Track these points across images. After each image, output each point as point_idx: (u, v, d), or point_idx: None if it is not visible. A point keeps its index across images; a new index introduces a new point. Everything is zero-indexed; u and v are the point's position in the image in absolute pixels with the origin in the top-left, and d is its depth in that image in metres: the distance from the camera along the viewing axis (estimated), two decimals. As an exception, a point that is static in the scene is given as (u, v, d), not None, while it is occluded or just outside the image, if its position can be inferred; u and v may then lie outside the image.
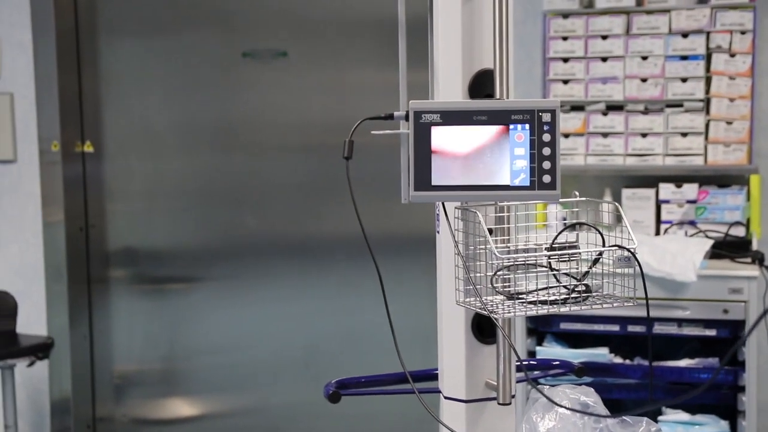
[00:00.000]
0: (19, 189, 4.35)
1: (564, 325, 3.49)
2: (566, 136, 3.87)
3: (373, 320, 4.17)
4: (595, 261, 1.56)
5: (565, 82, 3.87)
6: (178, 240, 4.40)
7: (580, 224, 1.60)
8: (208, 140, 4.35)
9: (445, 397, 1.77)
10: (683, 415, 3.41)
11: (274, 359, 4.34)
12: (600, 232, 1.58)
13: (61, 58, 4.28)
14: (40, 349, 3.96)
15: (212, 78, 4.31)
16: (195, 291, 4.40)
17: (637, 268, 1.54)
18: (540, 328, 3.58)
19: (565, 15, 3.85)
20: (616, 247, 1.54)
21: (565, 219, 3.08)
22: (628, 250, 1.53)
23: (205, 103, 4.32)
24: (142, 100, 4.36)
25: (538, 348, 3.53)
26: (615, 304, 1.54)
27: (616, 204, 1.60)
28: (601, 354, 3.49)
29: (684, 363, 3.46)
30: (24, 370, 4.16)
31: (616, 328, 3.46)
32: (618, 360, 3.53)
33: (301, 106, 4.25)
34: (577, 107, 3.88)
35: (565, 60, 3.87)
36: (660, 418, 3.46)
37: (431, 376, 1.88)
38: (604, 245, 1.57)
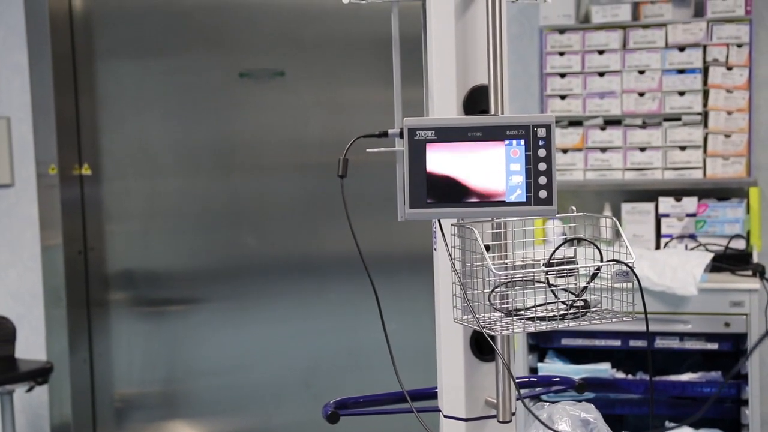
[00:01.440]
0: (17, 213, 4.34)
1: (565, 341, 3.48)
2: (565, 151, 3.86)
3: (374, 338, 4.12)
4: (593, 276, 1.55)
5: (563, 97, 3.87)
6: (178, 261, 4.39)
7: (578, 239, 1.59)
8: (206, 161, 4.34)
9: (445, 416, 1.75)
10: (687, 430, 3.39)
11: (275, 379, 4.32)
12: (597, 247, 1.57)
13: (57, 80, 4.28)
14: (39, 374, 3.93)
15: (209, 98, 4.31)
16: (195, 312, 4.38)
17: (636, 282, 1.52)
18: (541, 345, 3.56)
19: (562, 30, 3.85)
20: (614, 262, 1.53)
21: (564, 234, 3.07)
22: (626, 264, 1.52)
23: (202, 124, 4.32)
24: (139, 122, 4.35)
25: (539, 364, 3.51)
26: (614, 320, 1.53)
27: (614, 219, 1.59)
28: (603, 369, 3.47)
29: (686, 377, 3.45)
30: (23, 395, 4.14)
31: (617, 343, 3.44)
32: (620, 375, 3.51)
33: (298, 125, 4.25)
34: (575, 122, 3.87)
35: (562, 75, 3.86)
36: (661, 433, 3.43)
37: (431, 394, 1.86)
38: (602, 260, 1.56)
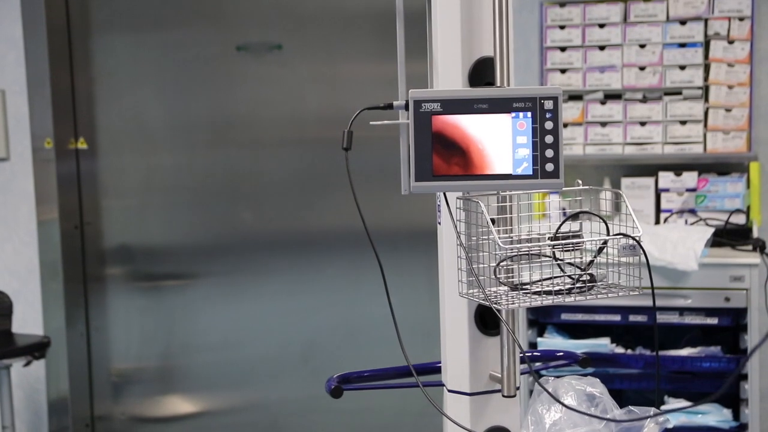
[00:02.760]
0: (13, 187, 4.31)
1: (565, 316, 3.47)
2: (565, 125, 3.84)
3: (371, 314, 4.15)
4: (600, 250, 1.53)
5: (563, 71, 3.84)
6: (175, 236, 4.37)
7: (584, 213, 1.57)
8: (203, 135, 4.31)
9: (449, 390, 1.74)
10: (686, 404, 3.39)
11: (273, 355, 4.31)
12: (605, 221, 1.55)
13: (53, 53, 4.24)
14: (36, 349, 3.92)
15: (206, 72, 4.28)
16: (192, 287, 4.37)
17: (643, 256, 1.51)
18: (541, 320, 3.55)
19: (562, 4, 3.82)
20: (621, 236, 1.51)
21: (564, 209, 3.06)
22: (633, 238, 1.50)
23: (199, 98, 4.29)
24: (135, 96, 4.32)
25: (539, 339, 3.51)
26: (620, 294, 1.52)
27: (620, 192, 1.57)
28: (602, 344, 3.47)
29: (686, 352, 3.45)
30: (20, 370, 4.13)
31: (617, 318, 3.44)
32: (620, 350, 3.51)
33: (295, 100, 4.23)
34: (575, 96, 3.85)
35: (563, 49, 3.84)
36: (662, 407, 3.44)
37: (434, 369, 1.85)
38: (608, 234, 1.54)
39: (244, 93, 4.26)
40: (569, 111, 3.84)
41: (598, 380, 1.60)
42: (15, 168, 4.30)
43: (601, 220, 1.55)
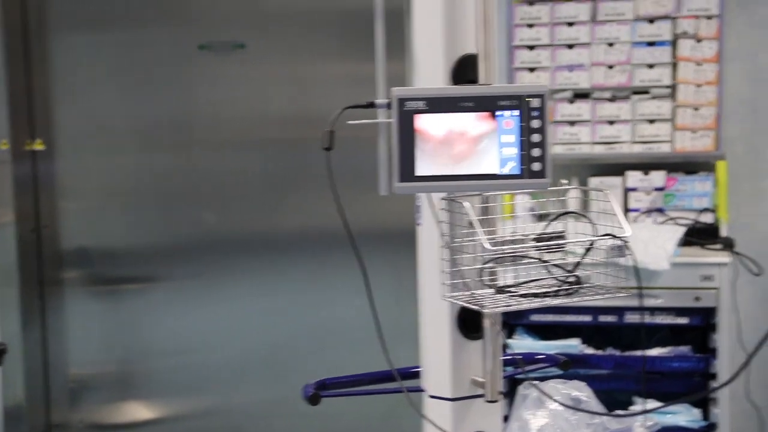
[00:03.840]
0: None
1: (535, 317, 3.45)
2: (532, 125, 3.82)
3: (337, 317, 4.11)
4: (587, 251, 1.50)
5: (531, 70, 3.82)
6: (136, 239, 4.30)
7: (571, 213, 1.54)
8: (165, 136, 4.24)
9: (431, 396, 1.69)
10: (655, 404, 3.38)
11: (236, 359, 4.25)
12: (591, 222, 1.52)
13: (8, 53, 4.15)
14: None
15: (168, 72, 4.21)
16: (153, 291, 4.30)
17: (630, 257, 1.48)
18: (511, 321, 3.52)
19: (531, 2, 3.80)
20: (610, 236, 1.48)
21: (533, 209, 3.03)
22: (621, 239, 1.47)
23: (160, 98, 4.22)
24: (95, 96, 4.24)
25: (508, 341, 3.48)
26: (607, 295, 1.49)
27: (606, 191, 1.54)
28: (572, 345, 3.45)
29: (655, 352, 3.44)
30: None
31: (588, 318, 3.42)
32: (590, 351, 3.49)
33: (260, 99, 4.17)
34: (543, 96, 3.82)
35: (531, 48, 3.82)
36: (631, 408, 3.43)
37: (411, 374, 1.81)
38: (595, 235, 1.51)
39: (207, 93, 4.20)
40: (537, 110, 3.81)
41: (584, 384, 1.57)
42: (-30, 170, 4.20)
43: (588, 221, 1.51)
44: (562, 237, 1.53)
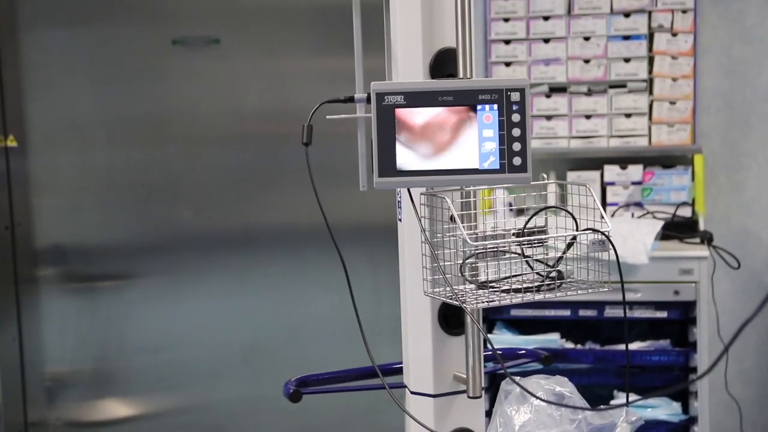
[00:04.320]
0: None
1: (515, 312, 3.44)
2: (509, 119, 3.81)
3: (313, 313, 4.09)
4: (569, 245, 1.49)
5: (508, 64, 3.82)
6: (110, 236, 4.27)
7: (552, 208, 1.53)
8: (139, 132, 4.21)
9: (412, 392, 1.68)
10: (635, 398, 3.39)
11: (212, 356, 4.23)
12: (573, 216, 1.51)
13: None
14: None
15: (141, 67, 4.17)
16: (129, 288, 4.27)
17: (612, 251, 1.47)
18: (491, 316, 3.52)
19: (506, -4, 3.79)
20: (590, 231, 1.47)
21: (511, 204, 3.02)
22: (602, 233, 1.46)
23: (134, 93, 4.18)
24: (68, 92, 4.20)
25: (488, 336, 3.48)
26: (590, 290, 1.48)
27: (587, 186, 1.53)
28: (552, 340, 3.45)
29: (635, 346, 3.44)
30: None
31: (567, 313, 3.42)
32: (569, 345, 3.49)
33: (234, 95, 4.14)
34: (520, 90, 3.82)
35: (507, 42, 3.81)
36: (612, 402, 3.43)
37: (393, 370, 1.79)
38: (577, 229, 1.50)
39: (181, 88, 4.17)
40: (514, 105, 3.81)
41: (566, 379, 1.56)
42: (-57, 167, 4.16)
43: (569, 215, 1.50)
44: (543, 232, 1.51)
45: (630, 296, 3.36)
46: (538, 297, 1.45)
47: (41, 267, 4.30)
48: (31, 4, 4.17)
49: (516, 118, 1.42)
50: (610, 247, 1.47)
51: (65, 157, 4.23)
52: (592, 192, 1.51)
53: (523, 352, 1.96)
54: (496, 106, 1.42)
